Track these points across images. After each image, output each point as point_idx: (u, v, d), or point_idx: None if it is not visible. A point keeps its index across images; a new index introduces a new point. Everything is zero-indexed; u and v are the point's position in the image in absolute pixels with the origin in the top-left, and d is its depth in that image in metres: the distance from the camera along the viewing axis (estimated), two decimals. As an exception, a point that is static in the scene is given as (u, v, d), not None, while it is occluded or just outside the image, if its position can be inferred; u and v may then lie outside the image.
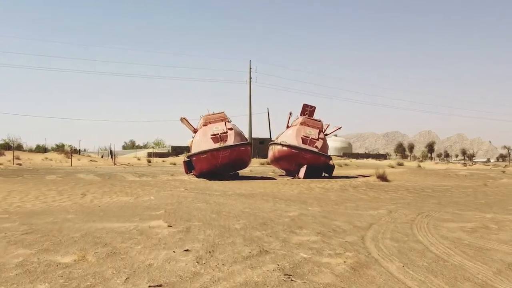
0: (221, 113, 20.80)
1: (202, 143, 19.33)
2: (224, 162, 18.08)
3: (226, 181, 14.85)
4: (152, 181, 14.40)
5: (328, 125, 22.95)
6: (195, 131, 21.48)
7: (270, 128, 60.58)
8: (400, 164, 42.18)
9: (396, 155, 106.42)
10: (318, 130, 21.62)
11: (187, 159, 20.60)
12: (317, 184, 12.95)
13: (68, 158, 44.15)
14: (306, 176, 18.93)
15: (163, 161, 49.08)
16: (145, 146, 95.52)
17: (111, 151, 47.62)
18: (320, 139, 21.07)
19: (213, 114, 20.74)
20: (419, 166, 29.58)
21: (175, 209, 7.25)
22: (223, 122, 19.92)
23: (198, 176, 20.21)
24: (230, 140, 18.69)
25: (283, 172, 24.08)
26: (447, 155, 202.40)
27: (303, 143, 20.47)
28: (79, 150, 55.12)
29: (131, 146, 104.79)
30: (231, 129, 19.43)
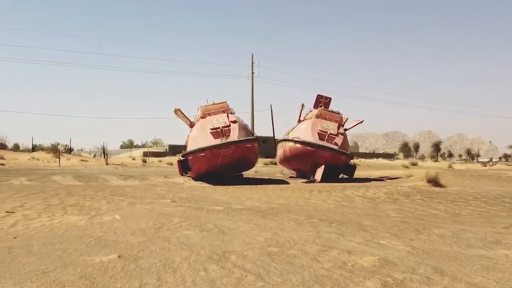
0: (222, 103, 17.34)
1: (200, 138, 15.88)
2: (227, 162, 14.67)
3: (231, 187, 11.41)
4: (130, 187, 10.93)
5: (347, 118, 19.44)
6: (191, 125, 18.06)
7: (274, 126, 57.11)
8: (414, 164, 38.78)
9: (404, 155, 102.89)
10: (337, 124, 18.14)
11: (182, 158, 17.17)
12: (353, 191, 9.54)
13: (57, 157, 40.82)
14: (323, 178, 15.65)
15: (160, 161, 45.74)
16: (143, 146, 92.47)
17: (104, 150, 44.21)
18: (339, 135, 17.59)
19: (213, 104, 17.28)
20: (450, 166, 26.21)
21: (141, 248, 3.87)
22: (225, 114, 16.47)
23: (196, 179, 16.88)
24: (234, 135, 15.24)
25: (294, 174, 20.67)
26: (450, 155, 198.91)
27: (320, 139, 16.99)
28: (70, 149, 51.78)
29: (130, 145, 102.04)
30: (234, 122, 15.96)
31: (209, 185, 13.72)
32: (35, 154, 44.57)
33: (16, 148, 58.34)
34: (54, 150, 45.13)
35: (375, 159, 59.47)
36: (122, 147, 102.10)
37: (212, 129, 15.50)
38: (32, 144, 48.61)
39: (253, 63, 54.72)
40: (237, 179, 15.94)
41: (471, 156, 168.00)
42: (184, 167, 16.82)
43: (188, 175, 17.53)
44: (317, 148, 16.33)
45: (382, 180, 18.18)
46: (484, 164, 41.94)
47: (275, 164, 36.64)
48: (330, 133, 17.17)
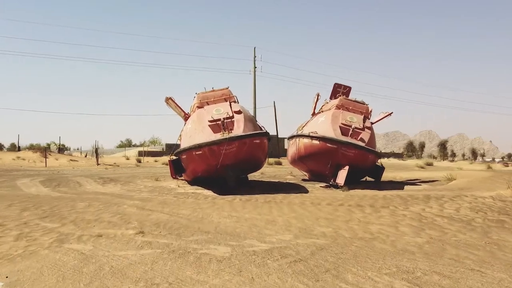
0: (224, 89, 14.07)
1: (196, 133, 12.63)
2: (229, 162, 11.47)
3: (237, 198, 8.05)
4: (86, 201, 7.54)
5: (371, 110, 16.16)
6: (186, 117, 14.83)
7: (277, 124, 53.78)
8: (429, 165, 35.68)
9: (407, 155, 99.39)
10: (362, 116, 14.88)
11: (175, 158, 13.95)
12: (423, 207, 6.26)
13: (44, 157, 37.67)
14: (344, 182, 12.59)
15: (155, 161, 42.47)
16: (142, 145, 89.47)
17: (96, 149, 40.97)
18: (366, 129, 14.32)
19: (212, 91, 14.01)
20: (490, 167, 22.99)
21: None
22: (227, 103, 13.20)
23: (191, 183, 13.71)
24: (238, 129, 11.99)
25: (306, 175, 17.43)
26: (453, 155, 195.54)
27: (342, 134, 13.75)
28: (60, 148, 48.59)
29: (127, 144, 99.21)
30: (239, 112, 12.69)
31: (207, 192, 10.52)
32: (21, 154, 41.37)
33: (13, 147, 55.27)
34: (41, 149, 41.87)
35: (386, 158, 56.15)
36: (120, 146, 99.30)
37: (211, 121, 12.23)
38: (18, 143, 45.40)
39: (255, 56, 51.33)
40: (242, 183, 12.74)
41: (474, 155, 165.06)
42: (177, 168, 13.56)
43: (182, 178, 14.34)
44: (340, 145, 13.10)
45: (415, 184, 15.14)
46: (506, 164, 38.56)
47: (280, 164, 33.37)
48: (355, 127, 13.90)
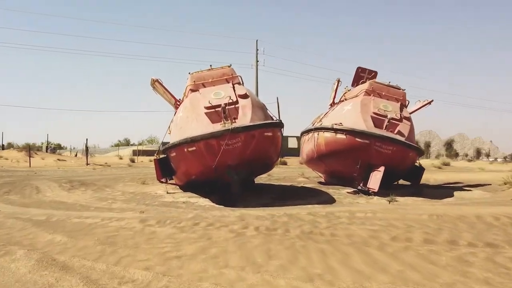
0: (225, 67, 10.98)
1: (189, 123, 9.66)
2: (233, 162, 8.54)
3: (252, 225, 4.81)
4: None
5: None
6: (177, 104, 11.84)
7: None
8: (446, 164, 32.74)
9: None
10: (398, 104, 11.98)
11: (162, 156, 10.92)
12: None
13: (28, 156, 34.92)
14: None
15: (150, 160, 39.51)
16: (141, 144, 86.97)
17: (86, 148, 38.07)
18: (404, 120, 11.39)
19: (209, 70, 10.93)
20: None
21: None
22: (230, 84, 10.17)
23: (183, 187, 10.77)
24: (245, 117, 9.02)
25: (321, 177, 14.48)
26: (456, 154, 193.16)
27: (376, 126, 10.89)
28: (47, 147, 45.82)
29: (126, 143, 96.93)
30: (245, 96, 9.65)
31: (203, 201, 7.53)
32: (4, 153, 38.60)
33: (8, 146, 52.97)
34: (26, 148, 39.04)
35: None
36: (117, 145, 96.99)
37: (208, 107, 9.23)
38: (2, 141, 42.52)
39: (257, 50, 48.37)
40: (248, 187, 9.74)
41: (478, 155, 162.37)
42: (164, 169, 10.50)
43: (171, 181, 11.25)
44: (373, 140, 10.19)
45: (462, 189, 12.50)
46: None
47: (285, 164, 30.27)
48: (391, 118, 10.92)
